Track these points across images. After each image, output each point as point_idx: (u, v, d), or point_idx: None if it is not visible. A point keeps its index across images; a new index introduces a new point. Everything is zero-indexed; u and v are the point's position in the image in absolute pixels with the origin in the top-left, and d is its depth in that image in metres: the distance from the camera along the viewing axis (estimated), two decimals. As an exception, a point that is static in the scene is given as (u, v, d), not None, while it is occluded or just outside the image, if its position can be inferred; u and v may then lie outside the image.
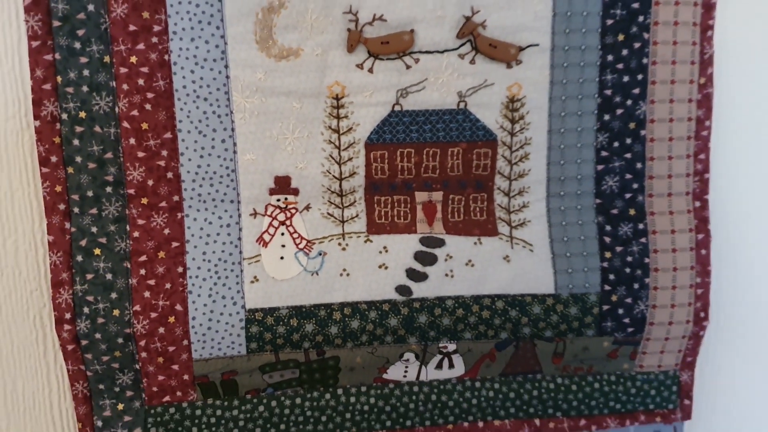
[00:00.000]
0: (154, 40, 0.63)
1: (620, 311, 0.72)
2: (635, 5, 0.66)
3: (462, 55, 0.67)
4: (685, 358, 0.76)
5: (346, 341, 0.71)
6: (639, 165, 0.70)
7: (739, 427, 0.84)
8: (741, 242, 0.78)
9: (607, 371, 0.75)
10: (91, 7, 0.60)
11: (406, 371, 0.73)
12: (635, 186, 0.71)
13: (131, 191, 0.65)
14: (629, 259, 0.72)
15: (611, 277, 0.72)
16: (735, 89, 0.74)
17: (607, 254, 0.72)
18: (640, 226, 0.71)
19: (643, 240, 0.71)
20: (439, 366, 0.74)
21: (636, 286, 0.72)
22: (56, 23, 0.60)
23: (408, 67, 0.67)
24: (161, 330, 0.67)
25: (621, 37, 0.68)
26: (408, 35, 0.66)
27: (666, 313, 0.72)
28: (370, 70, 0.68)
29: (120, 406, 0.69)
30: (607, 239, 0.72)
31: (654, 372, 0.75)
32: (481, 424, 0.75)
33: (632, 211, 0.71)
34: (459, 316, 0.72)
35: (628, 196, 0.71)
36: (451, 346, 0.73)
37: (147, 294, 0.67)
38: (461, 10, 0.65)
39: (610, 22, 0.67)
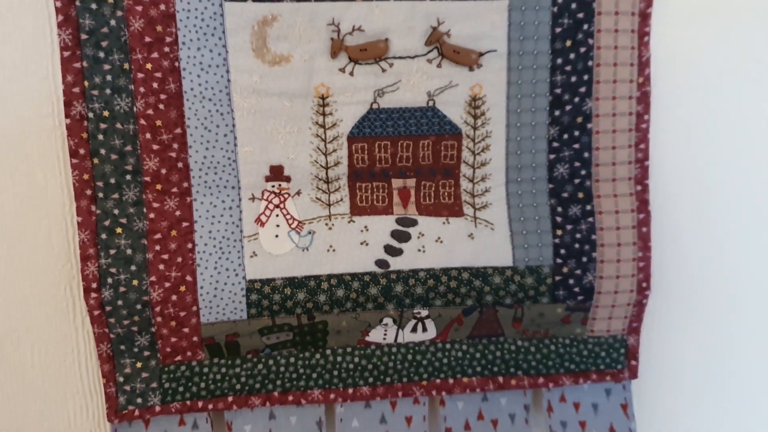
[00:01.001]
0: (166, 49, 0.68)
1: (571, 281, 0.76)
2: (580, 15, 0.71)
3: (430, 60, 0.72)
4: (631, 323, 0.80)
5: (333, 308, 0.75)
6: (586, 154, 0.75)
7: (681, 384, 0.86)
8: (678, 220, 0.81)
9: (561, 335, 0.79)
10: (113, 22, 0.66)
11: (385, 334, 0.78)
12: (583, 172, 0.75)
13: (147, 179, 0.70)
14: (578, 236, 0.76)
15: (562, 251, 0.76)
16: (670, 87, 0.77)
17: (559, 232, 0.76)
18: (588, 207, 0.76)
19: (590, 219, 0.76)
20: (414, 330, 0.78)
21: (584, 259, 0.76)
22: (84, 36, 0.66)
23: (383, 70, 0.72)
24: (174, 298, 0.72)
25: (568, 43, 0.72)
26: (383, 43, 0.71)
27: (612, 283, 0.76)
28: (351, 74, 0.72)
29: (138, 365, 0.74)
30: (559, 219, 0.76)
31: (604, 336, 0.79)
32: (451, 381, 0.79)
33: (581, 195, 0.76)
34: (430, 285, 0.76)
35: (577, 181, 0.75)
36: (424, 312, 0.77)
37: (161, 267, 0.71)
38: (428, 21, 0.70)
39: (558, 30, 0.72)
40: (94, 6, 0.65)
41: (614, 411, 0.82)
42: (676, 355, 0.86)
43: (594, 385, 0.82)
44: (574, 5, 0.70)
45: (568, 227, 0.76)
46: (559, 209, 0.77)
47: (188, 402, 0.75)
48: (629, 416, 0.81)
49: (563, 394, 0.82)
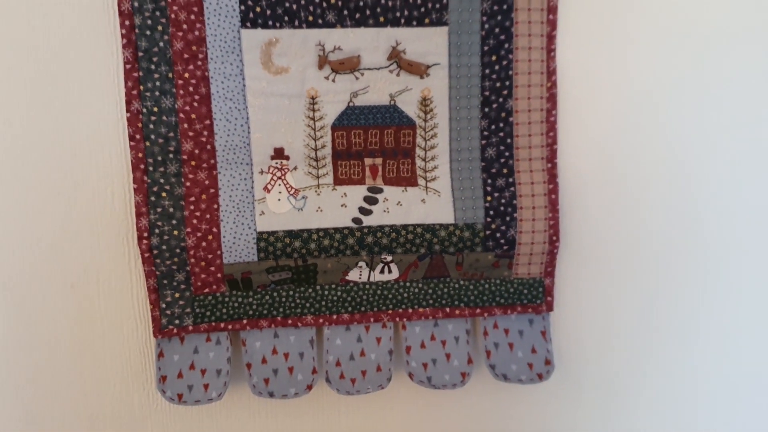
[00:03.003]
0: (199, 63, 0.77)
1: (498, 235, 0.85)
2: (502, 37, 0.80)
3: (391, 71, 0.81)
4: (546, 268, 0.89)
5: (321, 253, 0.84)
6: (509, 140, 0.84)
7: (586, 314, 0.96)
8: (581, 189, 0.89)
9: (493, 277, 0.88)
10: (161, 44, 0.76)
11: (360, 274, 0.86)
12: (507, 154, 0.84)
13: (184, 157, 0.79)
14: (503, 201, 0.85)
15: (491, 212, 0.85)
16: (570, 89, 0.86)
17: (489, 198, 0.85)
18: (510, 179, 0.85)
19: (512, 189, 0.85)
20: (382, 271, 0.86)
21: (508, 218, 0.85)
22: (140, 54, 0.76)
23: (357, 78, 0.81)
24: (203, 244, 0.81)
25: (494, 58, 0.81)
26: (356, 58, 0.80)
27: (529, 236, 0.86)
28: (333, 81, 0.81)
29: (177, 295, 0.83)
30: (489, 188, 0.85)
31: (525, 278, 0.89)
32: (410, 310, 0.88)
33: (505, 170, 0.85)
34: (393, 237, 0.84)
35: (502, 160, 0.84)
36: (389, 258, 0.86)
37: (195, 221, 0.80)
38: (389, 42, 0.80)
39: (486, 48, 0.81)
40: (148, 32, 0.75)
41: (536, 336, 0.92)
42: (582, 292, 0.95)
43: (519, 315, 0.91)
44: (497, 30, 0.80)
45: (496, 194, 0.85)
46: (489, 181, 0.85)
47: (213, 323, 0.84)
48: (547, 340, 0.92)
49: (496, 322, 0.91)
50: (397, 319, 0.89)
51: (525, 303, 0.91)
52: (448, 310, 0.90)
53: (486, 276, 0.89)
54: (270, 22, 0.78)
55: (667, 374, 1.01)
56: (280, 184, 0.84)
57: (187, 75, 0.78)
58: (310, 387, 0.88)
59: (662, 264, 0.95)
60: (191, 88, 0.79)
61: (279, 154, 0.83)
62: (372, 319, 0.89)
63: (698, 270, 0.96)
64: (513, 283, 0.90)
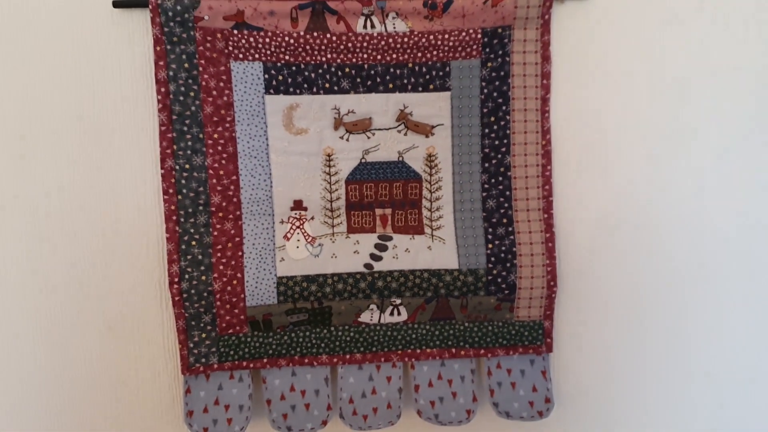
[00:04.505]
0: (227, 125, 0.86)
1: (499, 280, 0.92)
2: (500, 101, 0.89)
3: (399, 131, 0.89)
4: (545, 311, 0.95)
5: (335, 296, 0.90)
6: (508, 193, 0.91)
7: (581, 354, 1.00)
8: (576, 238, 0.96)
9: (496, 319, 0.94)
10: (193, 108, 0.85)
11: (371, 316, 0.93)
12: (506, 205, 0.91)
13: (213, 209, 0.87)
14: (503, 248, 0.92)
15: (493, 259, 0.92)
16: (564, 146, 0.93)
17: (490, 245, 0.91)
18: (510, 228, 0.92)
19: (512, 237, 0.91)
20: (392, 313, 0.92)
21: (508, 264, 0.92)
22: (174, 117, 0.85)
23: (369, 138, 0.89)
24: (229, 288, 0.88)
25: (493, 119, 0.89)
26: (368, 120, 0.89)
27: (528, 282, 0.93)
28: (347, 140, 0.89)
29: (203, 335, 0.90)
30: (490, 236, 0.92)
31: (526, 320, 0.95)
32: (418, 351, 0.94)
33: (504, 220, 0.92)
34: (402, 282, 0.91)
35: (502, 210, 0.91)
36: (398, 301, 0.92)
37: (221, 267, 0.88)
38: (398, 106, 0.88)
39: (485, 110, 0.89)
40: (181, 98, 0.84)
41: (536, 375, 0.97)
42: (579, 334, 1.00)
43: (521, 356, 0.96)
44: (495, 94, 0.88)
45: (496, 242, 0.92)
46: (490, 230, 0.91)
47: (236, 362, 0.91)
48: (547, 379, 0.97)
49: (499, 362, 0.96)
50: (406, 359, 0.95)
51: (526, 344, 0.96)
52: (454, 350, 0.95)
53: (489, 318, 0.95)
54: (291, 89, 0.87)
55: (661, 409, 1.05)
56: (298, 233, 0.91)
57: (216, 136, 0.87)
58: (325, 422, 0.94)
59: (653, 306, 1.01)
60: (220, 148, 0.87)
61: (298, 205, 0.90)
62: (383, 359, 0.94)
63: (687, 309, 1.01)
64: (514, 326, 0.95)
